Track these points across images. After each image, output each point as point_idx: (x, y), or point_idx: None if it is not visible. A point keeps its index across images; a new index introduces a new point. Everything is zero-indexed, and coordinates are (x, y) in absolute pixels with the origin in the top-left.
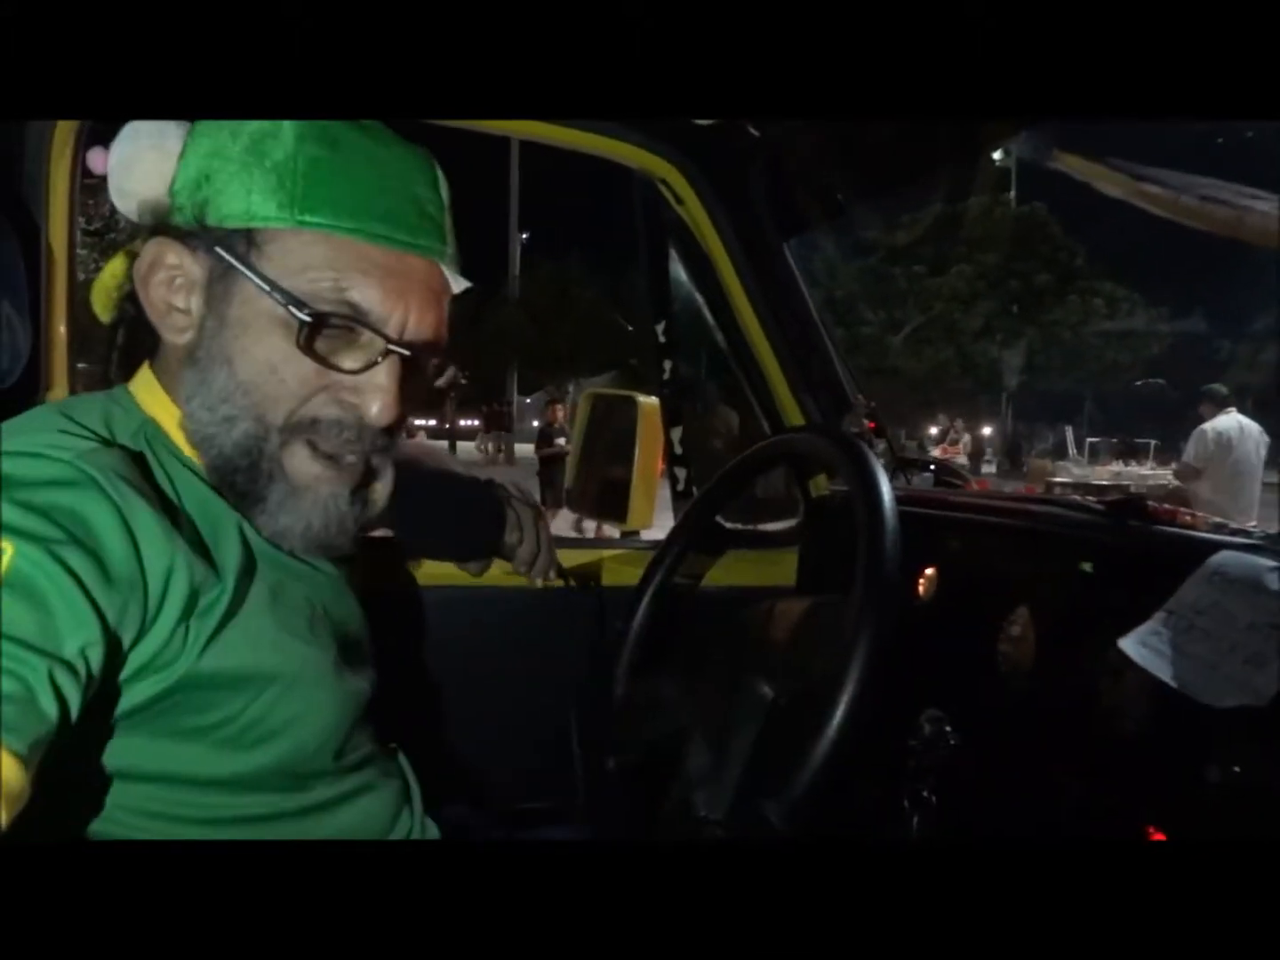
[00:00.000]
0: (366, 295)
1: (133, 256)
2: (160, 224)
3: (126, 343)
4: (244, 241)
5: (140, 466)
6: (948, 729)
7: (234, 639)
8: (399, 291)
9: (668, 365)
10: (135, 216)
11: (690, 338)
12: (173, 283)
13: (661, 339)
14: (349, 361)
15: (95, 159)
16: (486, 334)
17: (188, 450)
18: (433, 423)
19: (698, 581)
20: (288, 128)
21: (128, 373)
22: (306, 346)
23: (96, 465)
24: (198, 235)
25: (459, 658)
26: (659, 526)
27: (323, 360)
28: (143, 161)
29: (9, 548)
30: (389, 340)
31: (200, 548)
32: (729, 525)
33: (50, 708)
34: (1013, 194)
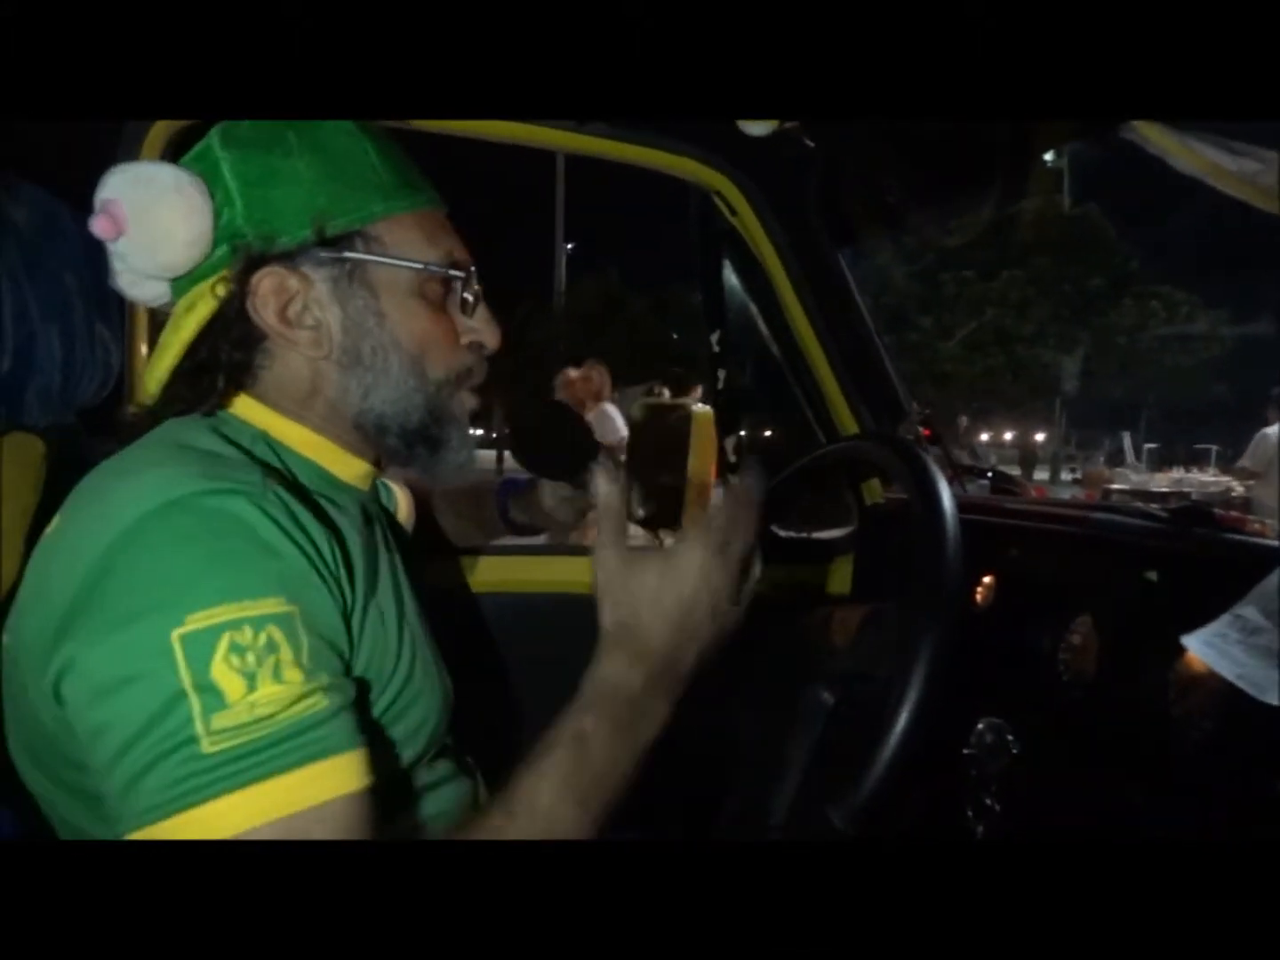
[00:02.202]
0: (460, 251)
1: (220, 292)
2: (255, 255)
3: (229, 371)
4: (361, 240)
5: (278, 479)
6: (1009, 737)
7: (363, 639)
8: (461, 241)
9: (722, 374)
10: (176, 263)
11: (744, 347)
12: (301, 304)
13: (716, 348)
14: (465, 309)
15: (103, 225)
16: (532, 343)
17: (308, 453)
18: (479, 432)
19: (754, 588)
20: (335, 130)
21: (217, 401)
22: (444, 305)
23: (263, 494)
24: (306, 252)
25: (513, 663)
26: None
27: (454, 313)
28: (173, 206)
29: (279, 607)
30: (478, 282)
31: (331, 549)
32: (783, 533)
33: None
34: (1065, 196)
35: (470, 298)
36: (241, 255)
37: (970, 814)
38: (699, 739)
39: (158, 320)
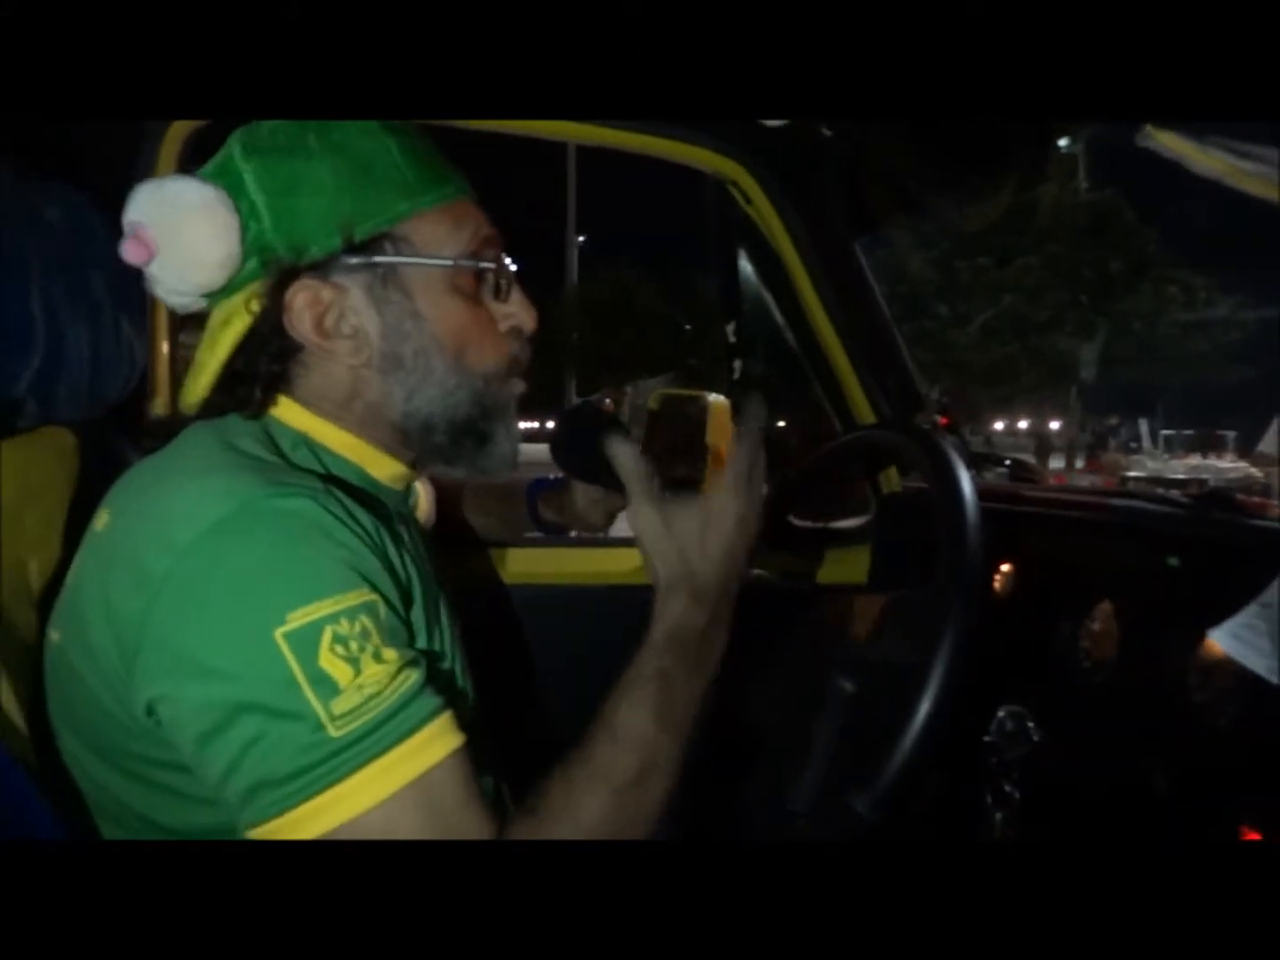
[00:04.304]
0: (491, 238)
1: (254, 308)
2: (286, 267)
3: (266, 382)
4: (390, 243)
5: (324, 480)
6: (1030, 725)
7: (414, 633)
8: (492, 228)
9: (738, 365)
10: (207, 283)
11: (760, 337)
12: (337, 314)
13: (732, 339)
14: (499, 295)
15: (134, 250)
16: (544, 336)
17: (348, 455)
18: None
19: (771, 578)
20: (354, 130)
21: (257, 407)
22: (479, 295)
23: (324, 494)
24: (336, 260)
25: (531, 656)
26: None
27: (489, 301)
28: (201, 228)
29: (364, 596)
30: (509, 266)
31: (382, 545)
32: (800, 523)
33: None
34: (1082, 181)
35: (503, 282)
36: (273, 268)
37: (990, 801)
38: (722, 728)
39: (179, 317)
